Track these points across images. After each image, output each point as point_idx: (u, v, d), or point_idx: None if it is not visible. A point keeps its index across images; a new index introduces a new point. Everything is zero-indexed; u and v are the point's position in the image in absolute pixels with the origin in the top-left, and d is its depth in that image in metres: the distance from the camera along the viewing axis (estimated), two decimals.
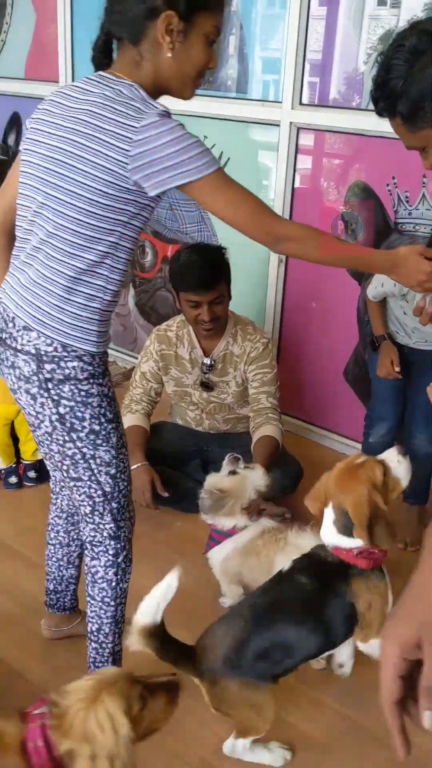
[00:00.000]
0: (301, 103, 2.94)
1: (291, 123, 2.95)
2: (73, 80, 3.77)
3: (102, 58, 1.56)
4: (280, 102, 2.96)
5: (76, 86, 1.51)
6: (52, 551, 2.00)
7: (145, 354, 2.71)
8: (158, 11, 1.43)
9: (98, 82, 1.48)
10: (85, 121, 1.42)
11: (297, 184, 3.06)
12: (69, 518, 1.96)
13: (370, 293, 2.45)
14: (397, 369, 2.42)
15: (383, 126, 2.72)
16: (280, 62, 2.94)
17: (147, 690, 1.29)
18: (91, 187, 1.41)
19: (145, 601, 1.48)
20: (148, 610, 1.48)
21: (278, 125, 2.99)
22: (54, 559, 2.00)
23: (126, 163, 1.39)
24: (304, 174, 3.05)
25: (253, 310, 3.14)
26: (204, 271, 2.41)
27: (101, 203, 1.42)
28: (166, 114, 1.41)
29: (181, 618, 2.21)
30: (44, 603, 2.09)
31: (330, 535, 1.71)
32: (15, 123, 4.19)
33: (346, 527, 1.67)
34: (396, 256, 1.56)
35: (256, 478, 2.16)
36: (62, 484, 1.86)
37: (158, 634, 1.50)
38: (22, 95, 4.04)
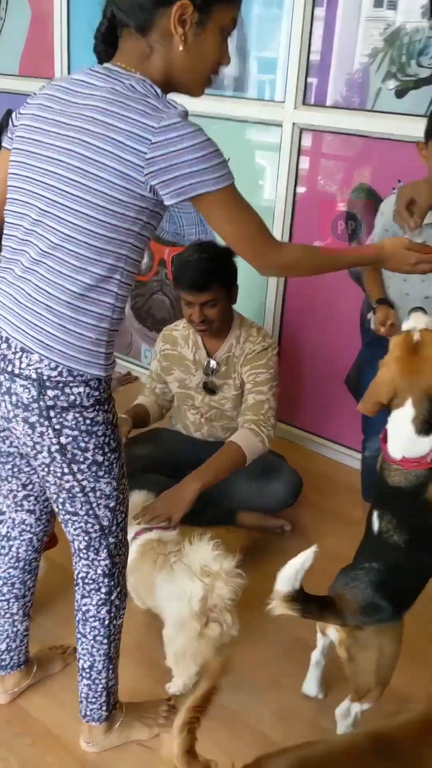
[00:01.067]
0: (304, 104, 2.87)
1: (294, 124, 2.88)
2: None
3: (105, 48, 1.42)
4: (283, 102, 2.89)
5: (78, 79, 1.37)
6: (5, 607, 1.79)
7: (153, 353, 2.70)
8: None
9: (105, 75, 1.34)
10: (96, 119, 1.29)
11: (299, 186, 2.99)
12: (26, 566, 1.78)
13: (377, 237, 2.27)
14: (390, 321, 2.19)
15: (388, 128, 2.69)
16: (281, 61, 2.87)
17: None
18: (104, 193, 1.29)
19: (284, 571, 1.49)
20: (288, 579, 1.49)
21: (280, 126, 2.92)
22: (7, 615, 1.80)
23: (142, 167, 1.27)
24: (306, 175, 2.98)
25: (252, 314, 3.06)
26: (197, 272, 2.31)
27: (114, 211, 1.30)
28: (185, 115, 1.31)
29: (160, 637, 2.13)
30: None
31: (400, 445, 1.58)
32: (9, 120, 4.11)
33: (429, 422, 1.53)
34: (382, 251, 1.60)
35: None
36: (34, 517, 1.74)
37: (298, 598, 1.52)
38: (16, 92, 3.96)
